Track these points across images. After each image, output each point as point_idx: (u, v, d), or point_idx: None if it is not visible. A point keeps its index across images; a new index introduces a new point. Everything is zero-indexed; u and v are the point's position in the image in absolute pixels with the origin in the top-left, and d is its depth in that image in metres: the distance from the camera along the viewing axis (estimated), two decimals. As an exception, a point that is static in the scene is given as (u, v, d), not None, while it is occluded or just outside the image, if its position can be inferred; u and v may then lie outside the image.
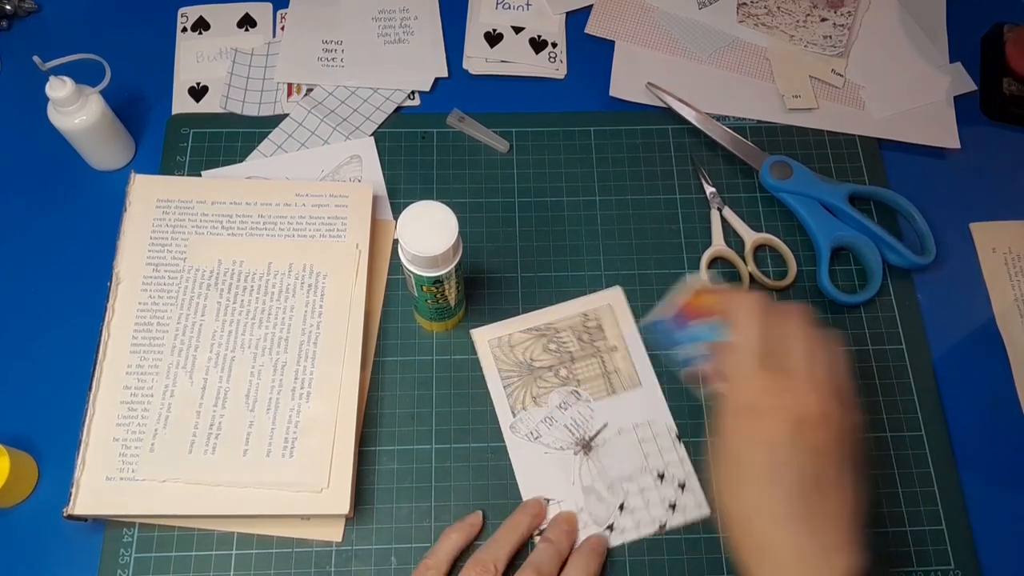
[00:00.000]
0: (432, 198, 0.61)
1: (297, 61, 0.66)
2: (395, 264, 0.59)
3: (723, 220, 0.61)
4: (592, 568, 0.49)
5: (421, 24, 0.69)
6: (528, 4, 0.70)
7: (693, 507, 0.52)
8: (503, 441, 0.54)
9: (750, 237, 0.60)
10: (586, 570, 0.48)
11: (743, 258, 0.60)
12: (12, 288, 0.58)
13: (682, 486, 0.52)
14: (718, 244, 0.60)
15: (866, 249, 0.59)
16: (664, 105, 0.65)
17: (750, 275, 0.59)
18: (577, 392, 0.54)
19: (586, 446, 0.53)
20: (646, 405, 0.54)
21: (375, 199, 0.59)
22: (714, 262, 0.60)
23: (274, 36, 0.68)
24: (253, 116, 0.64)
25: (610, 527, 0.51)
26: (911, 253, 0.58)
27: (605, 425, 0.54)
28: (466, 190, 0.62)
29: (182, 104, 0.65)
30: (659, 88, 0.65)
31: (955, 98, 0.67)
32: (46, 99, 0.55)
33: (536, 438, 0.53)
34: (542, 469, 0.53)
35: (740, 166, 0.63)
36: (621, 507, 0.52)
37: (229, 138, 0.63)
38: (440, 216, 0.46)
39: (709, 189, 0.62)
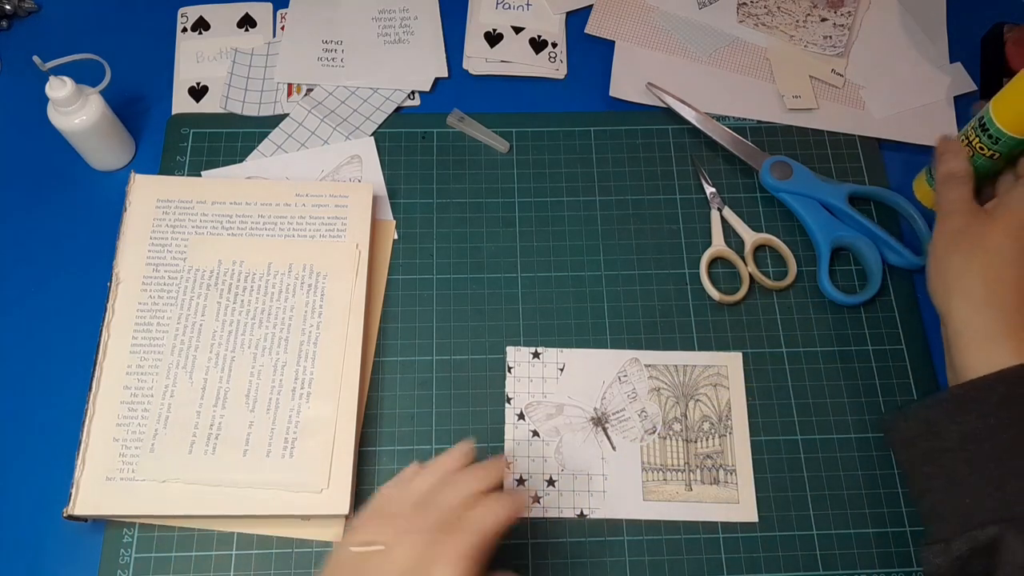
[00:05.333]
0: (432, 198, 0.62)
1: (297, 61, 0.66)
2: (395, 264, 0.59)
3: (723, 220, 0.61)
4: (499, 513, 0.41)
5: (421, 24, 0.69)
6: (528, 4, 0.70)
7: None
8: (503, 441, 0.54)
9: (750, 237, 0.60)
10: (494, 513, 0.41)
11: (743, 258, 0.60)
12: (12, 288, 0.58)
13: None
14: (718, 244, 0.60)
15: (866, 249, 0.59)
16: (664, 105, 0.65)
17: (750, 275, 0.59)
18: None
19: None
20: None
21: (375, 199, 0.59)
22: (714, 262, 0.60)
23: (274, 36, 0.68)
24: (253, 116, 0.64)
25: (537, 498, 0.52)
26: (911, 253, 0.58)
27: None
28: (466, 190, 0.62)
29: (182, 104, 0.65)
30: (659, 88, 0.65)
31: (955, 98, 0.67)
32: (46, 99, 0.55)
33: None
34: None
35: (740, 166, 0.63)
36: (551, 481, 0.53)
37: (229, 138, 0.63)
38: None
39: (709, 189, 0.62)
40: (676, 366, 0.56)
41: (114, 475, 0.49)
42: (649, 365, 0.56)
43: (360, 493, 0.52)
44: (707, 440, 0.54)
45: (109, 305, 0.54)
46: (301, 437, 0.51)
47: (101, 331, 0.53)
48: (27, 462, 0.53)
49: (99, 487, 0.49)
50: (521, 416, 0.55)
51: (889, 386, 0.56)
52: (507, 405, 0.55)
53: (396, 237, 0.60)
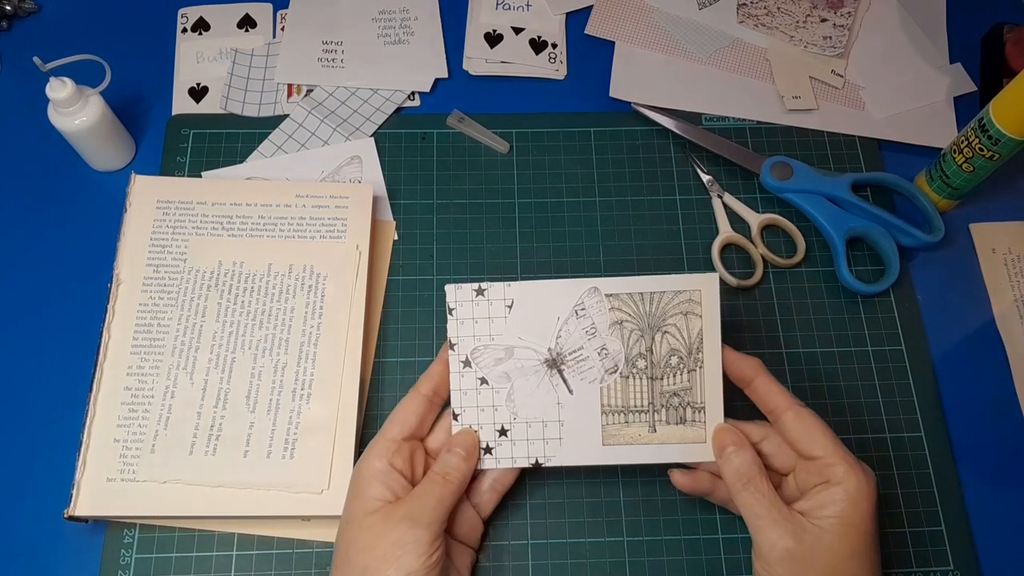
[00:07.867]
0: (432, 199, 0.62)
1: (297, 62, 0.66)
2: (395, 264, 0.59)
3: (725, 206, 0.61)
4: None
5: (421, 24, 0.69)
6: (528, 4, 0.70)
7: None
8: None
9: (755, 219, 0.60)
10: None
11: (751, 241, 0.60)
12: (12, 289, 0.58)
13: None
14: (726, 231, 0.60)
15: (879, 236, 0.59)
16: (662, 110, 0.65)
17: (762, 257, 0.59)
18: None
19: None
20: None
21: (375, 200, 0.59)
22: (727, 248, 0.60)
23: (274, 36, 0.68)
24: (253, 117, 0.64)
25: (489, 449, 0.49)
26: (921, 232, 0.59)
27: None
28: (466, 190, 0.62)
29: (182, 104, 0.65)
30: (645, 106, 0.64)
31: (955, 98, 0.67)
32: (46, 100, 0.55)
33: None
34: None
35: (740, 170, 0.63)
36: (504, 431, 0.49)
37: (229, 139, 0.63)
38: None
39: (706, 177, 0.62)
40: (642, 294, 0.49)
41: (115, 476, 0.49)
42: (611, 295, 0.49)
43: (361, 494, 0.52)
44: (674, 376, 0.49)
45: (109, 306, 0.54)
46: (302, 438, 0.51)
47: (101, 332, 0.53)
48: (28, 463, 0.53)
49: (100, 488, 0.49)
50: (467, 363, 0.49)
51: (889, 386, 0.56)
52: (451, 352, 0.49)
53: (396, 237, 0.60)
